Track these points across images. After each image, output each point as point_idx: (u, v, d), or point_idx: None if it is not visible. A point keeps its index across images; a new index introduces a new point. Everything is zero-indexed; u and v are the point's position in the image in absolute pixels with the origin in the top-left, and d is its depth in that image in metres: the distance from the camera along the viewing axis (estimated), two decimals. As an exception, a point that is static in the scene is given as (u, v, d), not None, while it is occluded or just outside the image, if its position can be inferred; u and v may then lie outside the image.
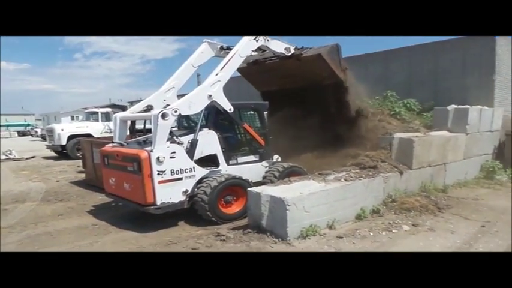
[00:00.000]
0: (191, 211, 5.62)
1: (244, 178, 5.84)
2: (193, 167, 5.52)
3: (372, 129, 7.90)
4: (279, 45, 6.97)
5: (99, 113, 16.53)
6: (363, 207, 5.59)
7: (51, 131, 15.43)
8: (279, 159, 6.77)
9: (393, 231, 5.00)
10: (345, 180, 5.62)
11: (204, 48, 6.77)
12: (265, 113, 6.87)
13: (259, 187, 5.36)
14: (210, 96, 5.71)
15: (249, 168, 6.27)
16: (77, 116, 29.10)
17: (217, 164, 5.92)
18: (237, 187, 5.74)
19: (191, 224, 5.56)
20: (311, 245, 4.52)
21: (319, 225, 4.95)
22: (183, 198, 5.42)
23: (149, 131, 5.94)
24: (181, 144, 5.47)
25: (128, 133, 6.65)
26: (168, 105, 5.87)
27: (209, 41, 6.81)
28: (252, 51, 6.66)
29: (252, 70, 8.04)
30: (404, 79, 10.65)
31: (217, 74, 5.86)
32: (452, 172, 7.54)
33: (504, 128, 9.01)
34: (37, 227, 5.78)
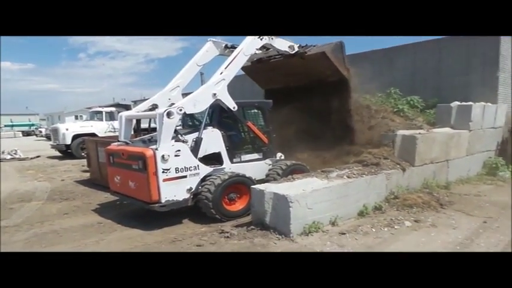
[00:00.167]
0: (195, 209, 5.67)
1: (247, 176, 5.89)
2: (198, 165, 5.57)
3: (375, 126, 7.91)
4: (283, 43, 7.00)
5: (104, 113, 16.62)
6: (366, 204, 5.62)
7: (55, 131, 15.55)
8: (282, 157, 6.82)
9: (395, 227, 5.04)
10: (348, 177, 5.67)
11: (208, 47, 6.82)
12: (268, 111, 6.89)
13: (262, 184, 5.42)
14: (215, 94, 5.76)
15: (253, 166, 6.32)
16: (80, 116, 29.29)
17: (221, 162, 5.97)
18: (240, 185, 5.80)
19: (195, 222, 5.62)
20: (314, 242, 4.57)
21: (322, 221, 5.00)
22: (187, 195, 5.48)
23: (154, 129, 6.00)
24: (186, 142, 5.53)
25: (133, 132, 6.72)
26: (173, 104, 5.92)
27: (214, 39, 6.86)
28: (256, 49, 6.69)
29: (256, 68, 8.07)
30: (408, 76, 10.62)
31: (221, 73, 5.90)
32: (455, 169, 7.56)
33: (507, 125, 9.00)
34: (43, 225, 5.86)
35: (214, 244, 4.65)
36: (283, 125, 7.36)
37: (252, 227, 5.02)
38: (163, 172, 5.17)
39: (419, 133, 6.99)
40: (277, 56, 7.45)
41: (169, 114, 5.22)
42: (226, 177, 5.60)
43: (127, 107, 17.65)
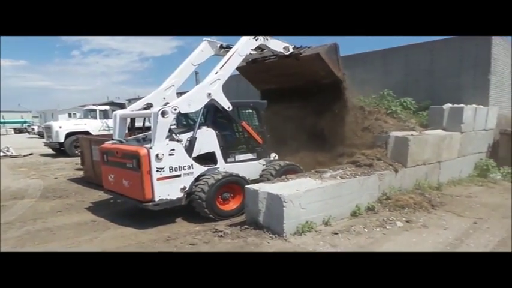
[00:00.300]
0: (189, 207, 5.69)
1: (241, 175, 5.92)
2: (192, 164, 5.59)
3: (368, 127, 7.98)
4: (278, 44, 7.04)
5: (98, 111, 16.54)
6: (358, 205, 5.68)
7: (49, 129, 15.43)
8: (276, 157, 6.86)
9: (387, 227, 5.10)
10: (341, 178, 5.72)
11: (204, 46, 6.83)
12: (263, 111, 6.93)
13: (256, 184, 5.45)
14: (210, 94, 5.78)
15: (247, 166, 6.35)
16: (74, 114, 29.02)
17: (215, 162, 5.99)
18: (234, 184, 5.82)
19: (189, 221, 5.64)
20: (307, 241, 4.61)
21: (315, 221, 5.04)
22: (181, 195, 5.50)
23: (148, 128, 6.00)
24: (180, 141, 5.55)
25: (127, 131, 6.71)
26: (168, 103, 5.93)
27: (209, 39, 6.87)
28: (252, 50, 6.72)
29: (251, 69, 8.11)
30: (401, 78, 10.73)
31: (216, 73, 5.92)
32: (446, 170, 7.65)
33: (498, 127, 9.13)
34: (36, 223, 5.84)
35: (208, 243, 4.67)
36: (278, 126, 7.40)
37: (246, 226, 5.05)
38: (157, 171, 5.19)
39: (412, 135, 7.06)
40: (272, 57, 7.49)
41: (163, 114, 5.24)
42: (220, 176, 5.62)
43: (121, 106, 17.60)
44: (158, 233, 5.16)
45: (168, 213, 5.68)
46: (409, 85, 10.50)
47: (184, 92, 5.92)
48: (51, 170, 11.31)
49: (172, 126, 5.71)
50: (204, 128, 5.98)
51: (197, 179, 5.63)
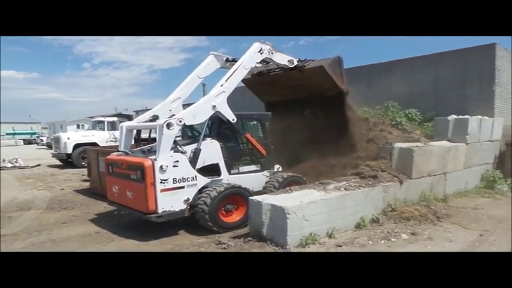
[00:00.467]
0: (193, 219, 5.69)
1: (244, 187, 5.93)
2: (195, 176, 5.62)
3: (373, 139, 7.98)
4: (282, 57, 7.13)
5: (106, 122, 16.72)
6: (363, 216, 5.64)
7: (57, 140, 15.63)
8: (280, 169, 6.87)
9: (392, 240, 5.06)
10: (345, 189, 5.69)
11: (210, 60, 6.96)
12: (267, 123, 6.97)
13: (260, 196, 5.45)
14: (214, 106, 5.85)
15: (250, 178, 6.37)
16: (82, 125, 29.38)
17: (219, 173, 6.02)
18: (237, 196, 5.83)
19: (193, 233, 5.64)
20: (310, 254, 4.59)
21: (319, 233, 5.01)
22: (184, 206, 5.51)
23: (154, 140, 6.07)
24: (185, 153, 5.59)
25: (133, 142, 6.79)
26: (174, 115, 6.01)
27: (215, 53, 7.02)
28: (257, 63, 6.82)
29: (256, 81, 8.20)
30: (406, 89, 10.75)
31: (222, 85, 6.01)
32: (452, 182, 7.59)
33: (504, 138, 9.06)
34: (41, 234, 5.88)
35: (211, 255, 4.67)
36: (283, 137, 7.44)
37: (249, 238, 5.03)
38: (161, 182, 5.22)
39: (417, 146, 7.04)
40: (276, 70, 7.58)
41: (169, 125, 5.30)
42: (222, 189, 5.63)
43: (129, 117, 17.78)
44: (162, 245, 5.18)
45: (171, 225, 5.70)
46: (414, 97, 10.52)
47: (191, 104, 5.99)
48: (58, 181, 11.43)
49: (177, 138, 5.76)
50: (209, 139, 6.02)
51: (201, 191, 5.65)
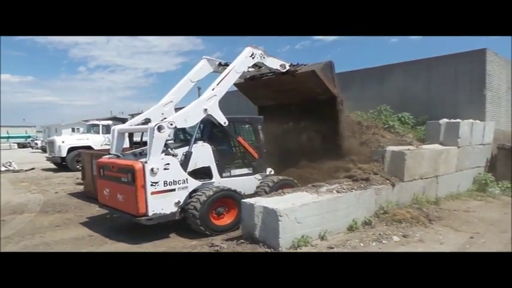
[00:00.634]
0: (186, 222, 5.69)
1: (233, 189, 5.93)
2: (187, 179, 5.62)
3: (365, 142, 8.04)
4: (274, 61, 7.19)
5: (100, 126, 16.71)
6: (355, 219, 5.68)
7: (52, 143, 15.61)
8: (272, 172, 6.90)
9: (383, 242, 5.09)
10: (337, 192, 5.73)
11: (203, 64, 7.00)
12: (260, 126, 7.00)
13: (252, 198, 5.46)
14: (206, 110, 5.88)
15: (242, 181, 6.39)
16: (77, 128, 29.33)
17: (210, 176, 6.03)
18: (227, 199, 5.83)
19: (186, 235, 5.65)
20: (302, 256, 4.62)
21: (311, 236, 5.03)
22: (175, 209, 5.51)
23: (146, 143, 6.09)
24: (176, 156, 5.59)
25: (128, 145, 6.80)
26: (166, 118, 6.04)
27: (208, 57, 7.06)
28: (248, 67, 6.88)
29: (249, 85, 8.25)
30: (399, 93, 10.87)
31: (213, 89, 6.06)
32: (444, 184, 7.66)
33: (496, 142, 9.18)
34: (34, 237, 5.87)
35: (204, 257, 4.69)
36: (275, 141, 7.47)
37: (242, 240, 5.04)
38: (151, 185, 5.22)
39: (409, 149, 7.11)
40: (269, 74, 7.64)
41: (160, 128, 5.32)
42: (211, 193, 5.62)
43: (124, 121, 17.75)
44: (155, 248, 5.18)
45: (164, 228, 5.71)
46: (407, 101, 10.63)
47: (184, 107, 6.02)
48: (52, 185, 11.39)
49: (169, 141, 5.78)
50: (200, 142, 6.05)
51: (192, 194, 5.65)
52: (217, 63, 7.07)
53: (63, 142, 15.16)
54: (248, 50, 6.68)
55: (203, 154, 5.98)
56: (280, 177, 6.75)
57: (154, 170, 5.22)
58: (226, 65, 6.84)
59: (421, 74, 10.61)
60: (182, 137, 6.88)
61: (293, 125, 7.69)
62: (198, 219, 5.44)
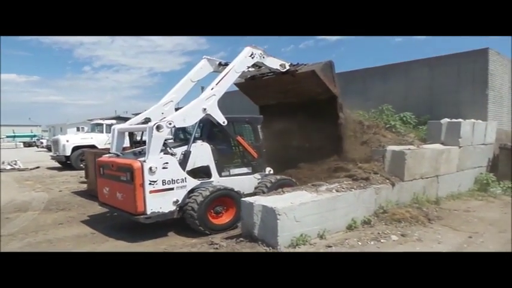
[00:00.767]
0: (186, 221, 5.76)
1: (233, 189, 5.96)
2: (185, 178, 5.65)
3: (366, 141, 8.05)
4: (274, 61, 7.21)
5: (104, 125, 16.84)
6: (354, 218, 5.69)
7: (56, 142, 15.75)
8: (271, 172, 6.93)
9: (381, 241, 5.11)
10: (337, 191, 5.74)
11: (203, 64, 7.05)
12: (259, 126, 7.03)
13: (252, 197, 5.51)
14: (205, 109, 5.92)
15: (242, 180, 6.43)
16: (82, 128, 29.51)
17: (209, 176, 6.07)
18: (225, 198, 5.86)
19: (186, 234, 5.70)
20: (300, 254, 4.66)
21: (310, 234, 5.06)
22: (173, 208, 5.54)
23: (145, 142, 6.15)
24: (174, 155, 5.64)
25: (129, 144, 6.86)
26: (165, 117, 6.10)
27: (208, 57, 7.10)
28: (248, 67, 6.90)
29: (249, 85, 8.29)
30: (401, 93, 10.87)
31: (212, 89, 6.10)
32: (445, 184, 7.65)
33: (498, 141, 9.14)
34: (37, 235, 5.96)
35: (203, 255, 4.75)
36: (276, 141, 7.51)
37: (241, 239, 5.09)
38: (150, 184, 5.25)
39: (409, 149, 7.11)
40: (269, 74, 7.66)
41: (158, 128, 5.36)
42: (208, 193, 5.63)
43: (127, 120, 17.87)
44: (155, 246, 5.25)
45: (165, 226, 5.78)
46: (409, 100, 10.63)
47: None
48: (56, 183, 11.52)
49: (170, 140, 5.83)
50: (199, 142, 6.08)
51: (190, 193, 5.69)
52: (218, 63, 7.11)
53: (67, 141, 15.30)
54: (247, 50, 6.72)
55: (202, 153, 6.02)
56: (279, 177, 6.78)
57: (152, 169, 5.26)
58: (226, 64, 6.87)
59: (423, 74, 10.59)
60: (182, 136, 6.94)
61: (294, 124, 7.70)
62: (197, 220, 5.49)
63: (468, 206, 7.12)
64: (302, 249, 4.81)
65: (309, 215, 5.10)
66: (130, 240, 5.47)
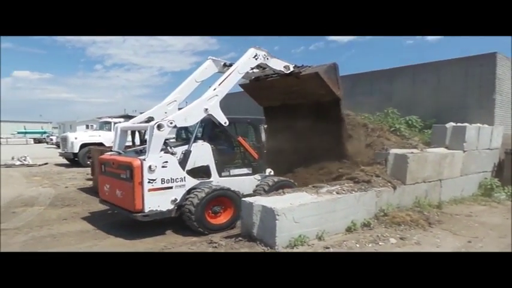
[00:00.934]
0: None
1: (230, 189, 5.98)
2: (184, 177, 5.70)
3: (370, 144, 8.03)
4: (278, 63, 7.21)
5: (112, 123, 17.00)
6: (354, 220, 5.69)
7: (65, 139, 16.00)
8: (272, 173, 6.95)
9: (380, 243, 5.11)
10: (337, 193, 5.75)
11: (208, 64, 7.10)
12: (261, 127, 7.07)
13: (252, 197, 5.55)
14: (207, 109, 5.95)
15: (241, 181, 6.46)
16: (91, 125, 29.88)
17: (209, 176, 6.12)
18: (224, 198, 5.89)
19: (186, 232, 5.76)
20: (298, 255, 4.69)
21: (309, 235, 5.08)
22: (171, 206, 5.60)
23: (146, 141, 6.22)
24: (174, 154, 5.70)
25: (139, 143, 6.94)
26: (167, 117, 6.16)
27: (213, 58, 7.15)
28: (252, 68, 6.94)
29: (254, 86, 8.32)
30: (408, 96, 10.81)
31: (215, 89, 6.13)
32: (448, 188, 7.60)
33: (504, 146, 9.04)
34: (42, 229, 6.09)
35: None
36: (280, 142, 7.53)
37: (240, 238, 5.14)
38: (149, 182, 5.30)
39: (412, 152, 7.08)
40: (273, 75, 7.69)
41: (159, 127, 5.42)
42: (203, 194, 5.64)
43: (134, 118, 18.04)
44: (155, 243, 5.32)
45: (167, 224, 5.85)
46: (415, 104, 10.56)
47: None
48: (63, 180, 11.71)
49: (171, 140, 5.89)
50: (200, 142, 6.14)
51: (189, 192, 5.73)
52: (222, 63, 7.16)
53: (75, 138, 15.53)
54: (251, 51, 6.74)
55: (202, 153, 6.07)
56: (278, 179, 6.78)
57: (152, 167, 5.31)
58: (231, 65, 6.90)
59: (430, 77, 10.52)
60: (184, 135, 7.00)
61: (298, 126, 7.72)
62: (195, 222, 5.54)
63: (470, 211, 7.07)
64: (300, 249, 4.84)
65: (308, 216, 5.12)
66: (131, 238, 5.56)
